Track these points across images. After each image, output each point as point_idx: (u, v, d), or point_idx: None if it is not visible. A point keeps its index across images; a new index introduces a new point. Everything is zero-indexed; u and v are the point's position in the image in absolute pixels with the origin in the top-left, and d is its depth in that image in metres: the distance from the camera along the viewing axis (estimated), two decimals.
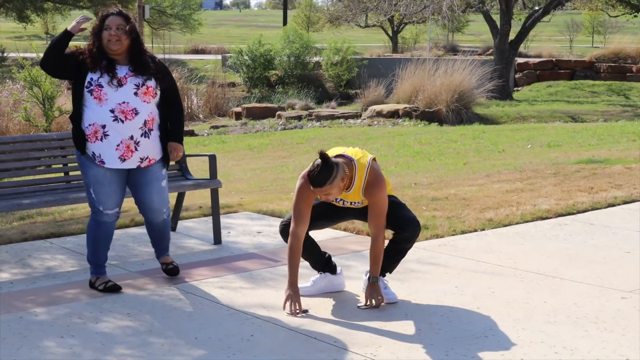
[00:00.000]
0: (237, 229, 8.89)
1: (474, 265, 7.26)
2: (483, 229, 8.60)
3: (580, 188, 10.54)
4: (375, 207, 6.10)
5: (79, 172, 8.28)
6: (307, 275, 6.90)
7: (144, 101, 6.49)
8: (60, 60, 6.46)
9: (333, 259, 6.76)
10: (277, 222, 9.08)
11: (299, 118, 25.59)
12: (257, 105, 28.69)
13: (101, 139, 6.41)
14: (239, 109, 28.25)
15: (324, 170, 5.88)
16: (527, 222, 8.91)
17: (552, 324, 5.72)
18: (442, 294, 6.47)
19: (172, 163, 7.25)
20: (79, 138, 6.46)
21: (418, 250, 7.72)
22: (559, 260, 7.42)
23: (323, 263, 6.60)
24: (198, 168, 12.48)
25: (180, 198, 8.77)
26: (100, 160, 6.45)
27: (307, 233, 6.36)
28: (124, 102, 6.39)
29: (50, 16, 62.93)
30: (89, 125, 6.41)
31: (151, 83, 6.52)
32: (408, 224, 6.27)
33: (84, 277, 7.04)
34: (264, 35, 38.53)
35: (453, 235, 8.38)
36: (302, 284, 6.58)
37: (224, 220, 8.97)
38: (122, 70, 6.46)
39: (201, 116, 28.86)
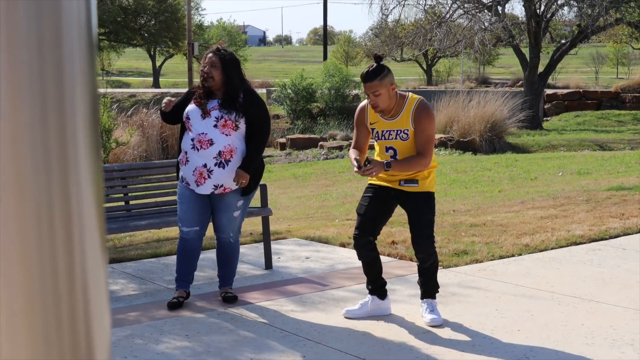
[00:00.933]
0: (287, 254, 8.90)
1: (513, 289, 7.21)
2: (520, 254, 8.54)
3: (612, 214, 10.44)
4: (422, 133, 6.15)
5: (138, 201, 8.37)
6: (354, 299, 6.89)
7: (223, 133, 6.63)
8: (178, 112, 6.92)
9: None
10: (324, 248, 9.09)
11: (340, 148, 25.59)
12: (301, 136, 28.77)
13: (185, 164, 6.72)
14: (283, 140, 28.32)
15: (376, 68, 6.08)
16: (562, 247, 8.84)
17: (589, 345, 5.67)
18: (484, 316, 6.43)
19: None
20: (178, 162, 6.87)
21: (459, 275, 7.69)
22: (594, 284, 7.34)
23: (378, 286, 6.59)
24: None
25: None
26: (185, 182, 6.76)
27: (375, 245, 6.50)
28: (202, 133, 6.60)
29: (105, 54, 63.70)
30: (182, 151, 6.78)
31: (232, 116, 6.63)
32: (419, 247, 6.32)
33: (144, 300, 7.08)
34: (305, 70, 38.66)
35: (492, 260, 8.33)
36: (349, 307, 6.59)
37: (273, 246, 8.98)
38: (211, 104, 6.72)
39: None
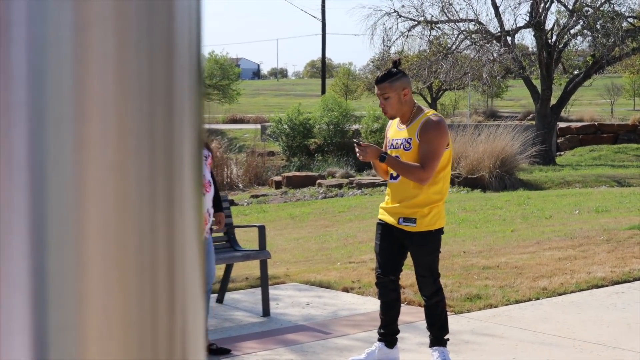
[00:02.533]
0: (285, 300, 8.79)
1: (531, 336, 7.11)
2: (538, 298, 8.44)
3: (635, 254, 10.35)
4: (426, 145, 6.17)
5: None
6: (359, 349, 6.79)
7: (209, 172, 6.63)
8: None
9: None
10: (325, 293, 8.99)
11: (340, 186, 25.53)
12: (297, 173, 28.72)
13: None
14: (278, 178, 28.27)
15: (389, 70, 6.29)
16: (582, 290, 8.74)
17: None
18: None
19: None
20: None
21: (472, 321, 7.58)
22: (618, 330, 7.24)
23: (390, 331, 6.57)
24: (240, 238, 12.43)
25: (228, 270, 8.69)
26: None
27: (398, 286, 6.58)
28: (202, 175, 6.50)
29: None
30: None
31: (208, 153, 6.64)
32: (420, 286, 6.48)
33: None
34: (302, 104, 38.75)
35: (507, 304, 8.23)
36: (354, 356, 6.49)
37: (271, 291, 8.87)
38: None
39: (241, 185, 28.91)
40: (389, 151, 6.39)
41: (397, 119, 6.43)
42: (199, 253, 0.93)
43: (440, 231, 6.39)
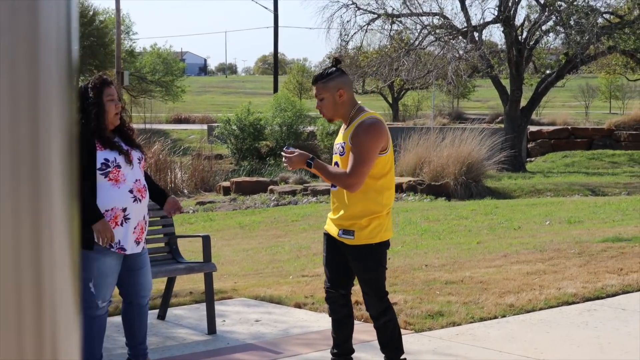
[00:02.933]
0: (233, 316, 8.81)
1: (496, 356, 7.20)
2: (504, 316, 8.53)
3: (609, 269, 10.50)
4: (354, 148, 6.16)
5: None
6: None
7: (143, 175, 6.56)
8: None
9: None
10: (276, 309, 9.03)
11: (294, 193, 25.57)
12: (247, 179, 28.70)
13: (121, 224, 6.35)
14: (227, 184, 28.24)
15: (324, 70, 6.34)
16: (552, 307, 8.85)
17: None
18: None
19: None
20: (88, 240, 6.22)
21: (433, 340, 7.65)
22: (590, 350, 7.35)
23: (344, 351, 6.64)
24: (184, 249, 12.42)
25: (170, 283, 8.68)
26: (119, 247, 6.36)
27: (349, 301, 6.61)
28: (138, 180, 6.42)
29: None
30: (107, 210, 6.31)
31: (141, 155, 6.59)
32: (365, 304, 6.52)
33: None
34: (253, 103, 38.75)
35: (471, 322, 8.31)
36: None
37: (217, 307, 8.87)
38: (119, 143, 6.48)
39: (186, 191, 28.84)
40: (334, 157, 6.47)
41: (343, 125, 6.48)
42: (71, 270, 0.94)
43: (383, 245, 6.38)
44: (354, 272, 6.46)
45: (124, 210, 6.36)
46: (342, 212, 6.31)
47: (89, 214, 6.16)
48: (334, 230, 6.40)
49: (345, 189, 6.21)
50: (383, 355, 6.53)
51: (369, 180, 6.20)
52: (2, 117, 0.87)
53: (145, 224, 6.57)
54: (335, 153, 6.42)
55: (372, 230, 6.26)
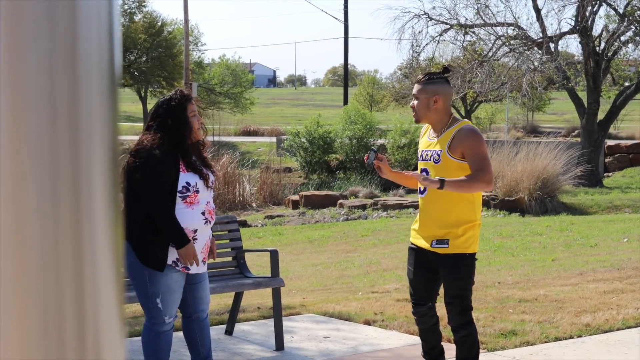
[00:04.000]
0: (301, 333, 8.83)
1: None
2: (580, 336, 8.45)
3: None
4: (473, 151, 6.36)
5: None
6: None
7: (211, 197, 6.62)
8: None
9: None
10: (345, 326, 9.03)
11: (363, 207, 25.57)
12: (316, 192, 28.76)
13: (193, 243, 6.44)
14: (296, 197, 28.31)
15: (430, 73, 6.60)
16: (630, 327, 8.74)
17: None
18: None
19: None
20: (161, 262, 6.35)
21: None
22: None
23: (435, 355, 6.84)
24: (252, 264, 12.49)
25: (237, 298, 8.73)
26: (183, 266, 6.42)
27: (434, 311, 6.76)
28: (208, 202, 6.49)
29: None
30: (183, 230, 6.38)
31: (214, 177, 6.66)
32: (449, 315, 6.58)
33: None
34: (322, 115, 38.81)
35: (546, 342, 8.24)
36: None
37: (285, 323, 8.90)
38: (202, 169, 6.55)
39: (254, 205, 28.96)
40: (419, 163, 6.66)
41: (429, 128, 6.68)
42: (115, 288, 0.95)
43: (473, 256, 6.51)
44: (444, 281, 6.55)
45: (195, 231, 6.43)
46: (436, 220, 6.46)
47: (177, 237, 6.24)
48: (424, 243, 6.54)
49: (486, 188, 6.40)
50: None
51: None
52: (41, 127, 0.88)
53: (210, 244, 6.66)
54: (427, 160, 6.55)
55: (467, 240, 6.40)
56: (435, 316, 6.81)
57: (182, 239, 6.24)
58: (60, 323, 0.90)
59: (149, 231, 6.30)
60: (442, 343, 7.74)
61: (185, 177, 6.37)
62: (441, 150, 6.43)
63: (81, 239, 0.90)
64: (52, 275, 0.89)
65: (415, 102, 6.51)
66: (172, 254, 6.39)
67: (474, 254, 6.50)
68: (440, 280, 6.65)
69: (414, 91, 6.56)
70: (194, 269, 6.49)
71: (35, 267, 0.88)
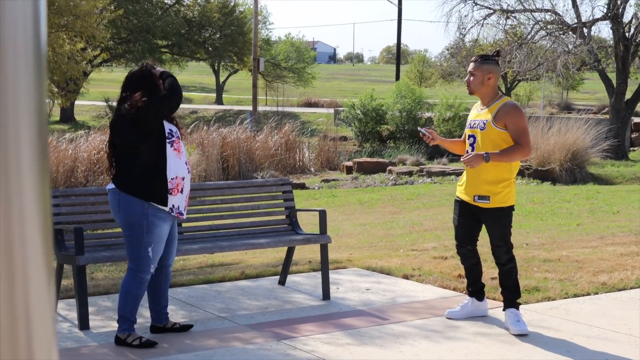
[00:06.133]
0: (346, 284, 8.89)
1: (587, 330, 7.11)
2: (596, 293, 8.42)
3: None
4: (515, 126, 6.97)
5: (191, 223, 8.40)
6: (415, 335, 6.87)
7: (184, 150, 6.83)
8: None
9: (445, 319, 7.39)
10: (385, 279, 9.07)
11: (410, 174, 25.52)
12: (368, 159, 28.74)
13: (181, 191, 6.62)
14: (350, 163, 28.33)
15: (486, 54, 7.22)
16: None
17: None
18: (554, 358, 6.35)
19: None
20: (163, 191, 6.54)
21: (529, 313, 7.60)
22: None
23: (477, 289, 7.49)
24: (308, 222, 12.56)
25: (290, 252, 8.81)
26: (178, 212, 6.63)
27: (476, 252, 7.47)
28: (187, 156, 6.68)
29: (168, 66, 64.56)
30: (173, 178, 6.56)
31: (176, 130, 6.85)
32: (494, 255, 7.27)
33: (194, 328, 7.12)
34: (376, 90, 38.69)
35: (565, 298, 8.22)
36: (450, 308, 7.49)
37: (332, 275, 8.96)
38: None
39: (312, 169, 29.03)
40: (467, 130, 7.29)
41: (479, 104, 7.29)
42: (44, 250, 0.91)
43: (511, 208, 7.17)
44: (488, 230, 7.23)
45: (183, 179, 6.64)
46: (478, 180, 7.09)
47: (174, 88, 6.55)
48: (467, 197, 7.22)
49: (525, 157, 7.20)
50: (502, 296, 7.28)
51: None
52: None
53: (190, 193, 6.86)
54: (474, 127, 7.18)
55: (504, 195, 7.07)
56: (476, 257, 7.50)
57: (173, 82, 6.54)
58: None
59: (149, 178, 6.49)
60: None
61: (167, 125, 6.58)
62: (487, 120, 7.04)
63: (11, 226, 0.88)
64: None
65: (472, 77, 7.10)
66: (170, 201, 6.55)
67: (512, 206, 7.17)
68: (479, 228, 7.39)
69: (471, 68, 7.13)
70: (184, 214, 6.73)
71: None
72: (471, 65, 7.15)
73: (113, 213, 6.69)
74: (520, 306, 7.75)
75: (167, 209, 6.55)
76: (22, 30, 0.87)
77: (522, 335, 6.89)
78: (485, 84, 7.09)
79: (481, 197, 7.09)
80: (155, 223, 6.55)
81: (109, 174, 6.75)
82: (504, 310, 7.21)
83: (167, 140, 6.53)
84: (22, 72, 0.88)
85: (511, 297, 7.18)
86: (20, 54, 0.87)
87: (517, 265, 7.43)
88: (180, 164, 6.60)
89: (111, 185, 6.62)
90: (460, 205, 7.34)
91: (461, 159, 7.13)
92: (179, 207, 6.63)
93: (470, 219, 7.32)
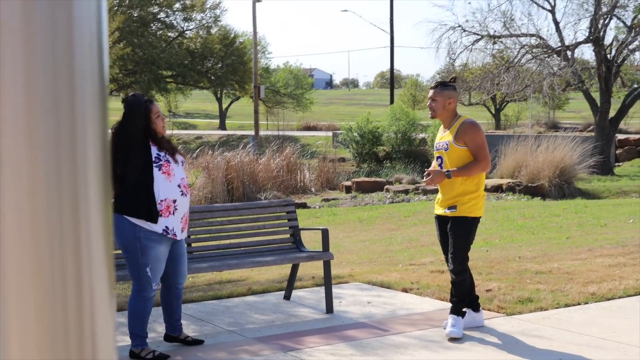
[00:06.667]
0: (348, 298, 8.90)
1: (578, 338, 7.12)
2: (586, 303, 8.43)
3: None
4: (472, 143, 7.18)
5: (200, 243, 8.42)
6: (414, 346, 6.88)
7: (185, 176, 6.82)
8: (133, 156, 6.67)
9: (442, 330, 7.26)
10: (386, 293, 9.08)
11: (406, 192, 25.53)
12: (366, 179, 28.74)
13: (173, 213, 6.63)
14: (349, 183, 28.33)
15: (443, 81, 7.43)
16: (630, 296, 8.69)
17: None
18: None
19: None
20: (153, 213, 6.57)
21: (522, 323, 7.61)
22: None
23: (471, 299, 7.49)
24: (310, 239, 12.58)
25: (294, 269, 8.83)
26: (173, 233, 6.65)
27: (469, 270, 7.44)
28: (182, 178, 6.68)
29: (173, 96, 64.67)
30: (162, 200, 6.59)
31: (183, 159, 6.89)
32: (450, 263, 7.31)
33: (207, 342, 7.13)
34: (371, 113, 38.80)
35: (557, 308, 8.23)
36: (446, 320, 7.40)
37: (335, 290, 8.98)
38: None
39: (313, 189, 29.03)
40: (434, 152, 7.47)
41: (442, 127, 7.47)
42: (106, 257, 0.93)
43: (476, 219, 7.30)
44: (449, 237, 7.29)
45: (174, 201, 6.64)
46: (448, 193, 7.26)
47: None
48: (441, 211, 7.37)
49: (482, 172, 7.24)
50: (450, 300, 7.40)
51: None
52: (45, 122, 0.87)
53: (187, 216, 6.83)
54: (440, 149, 7.37)
55: (471, 206, 7.23)
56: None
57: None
58: (65, 320, 0.90)
59: (137, 196, 6.52)
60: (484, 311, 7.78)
61: (154, 150, 6.61)
62: (449, 141, 7.26)
63: (80, 236, 0.90)
64: (58, 274, 0.89)
65: (434, 103, 7.31)
66: (162, 223, 6.58)
67: (478, 218, 7.31)
68: None
69: (432, 95, 7.34)
70: (179, 236, 6.71)
71: (45, 265, 0.88)
72: (432, 92, 7.37)
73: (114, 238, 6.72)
74: (515, 316, 7.79)
75: (159, 230, 6.57)
76: (88, 40, 0.90)
77: (454, 339, 7.10)
78: (447, 108, 7.29)
79: (450, 207, 7.29)
80: (149, 245, 6.57)
81: None
82: (450, 314, 7.34)
83: (155, 164, 6.57)
84: (89, 86, 0.91)
85: (456, 305, 7.33)
86: (87, 68, 0.90)
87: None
88: (170, 186, 6.62)
89: None
90: (439, 221, 7.49)
91: (423, 178, 7.39)
92: (173, 228, 6.65)
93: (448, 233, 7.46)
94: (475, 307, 7.56)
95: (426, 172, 7.28)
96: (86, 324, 0.91)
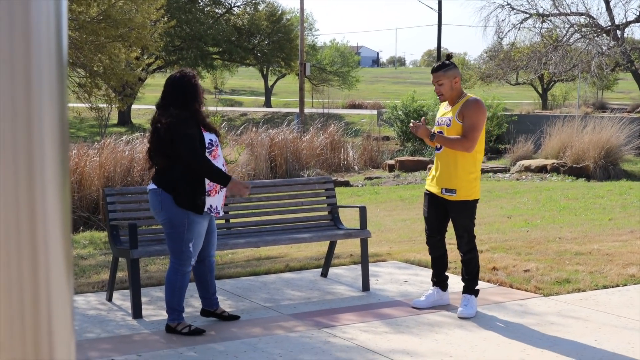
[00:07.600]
0: (385, 277, 8.93)
1: (615, 320, 7.09)
2: (625, 285, 8.38)
3: None
4: (467, 120, 7.15)
5: (239, 219, 8.49)
6: (449, 325, 6.89)
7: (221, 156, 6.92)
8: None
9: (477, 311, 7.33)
10: (423, 272, 9.10)
11: None
12: (410, 158, 28.69)
13: (219, 192, 6.77)
14: (392, 162, 28.29)
15: (443, 62, 7.32)
16: None
17: None
18: (582, 347, 6.34)
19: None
20: (201, 193, 6.65)
21: (559, 304, 7.60)
22: None
23: (441, 279, 7.64)
24: (351, 217, 12.60)
25: (331, 246, 8.87)
26: (217, 211, 6.79)
27: (444, 242, 7.66)
28: (224, 158, 6.79)
29: (219, 72, 64.83)
30: (207, 181, 6.68)
31: (217, 139, 6.95)
32: (458, 245, 7.51)
33: (242, 318, 7.20)
34: (417, 92, 38.60)
35: (595, 289, 8.20)
36: (416, 299, 7.57)
37: (372, 268, 9.01)
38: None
39: (356, 168, 29.02)
40: (435, 127, 7.46)
41: (446, 102, 7.44)
42: (63, 246, 0.92)
43: (476, 201, 7.40)
44: (453, 221, 7.42)
45: None
46: (445, 174, 7.28)
47: (221, 178, 6.60)
48: (436, 189, 7.39)
49: (463, 150, 7.15)
50: (463, 280, 7.50)
51: None
52: (3, 113, 0.86)
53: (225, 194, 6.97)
54: (441, 124, 7.36)
55: (470, 189, 7.28)
56: (443, 248, 7.70)
57: (225, 178, 6.60)
58: (22, 320, 0.90)
59: (188, 183, 6.59)
60: (505, 287, 7.78)
61: (208, 136, 6.70)
62: (451, 117, 7.26)
63: (36, 232, 0.89)
64: (15, 270, 0.88)
65: (440, 87, 7.26)
66: (208, 202, 6.69)
67: (477, 199, 7.39)
68: (448, 218, 7.52)
69: (436, 80, 7.27)
70: (222, 213, 6.92)
71: (1, 266, 0.88)
72: (434, 76, 7.30)
73: (154, 212, 6.79)
74: (552, 297, 7.77)
75: (205, 209, 6.66)
76: (46, 32, 0.89)
77: (465, 318, 7.16)
78: (454, 87, 7.27)
79: (448, 190, 7.30)
80: (196, 221, 6.68)
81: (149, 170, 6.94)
82: (462, 293, 7.45)
83: (207, 150, 6.65)
84: (46, 75, 0.90)
85: (468, 284, 7.43)
86: (44, 58, 0.89)
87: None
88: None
89: (152, 186, 6.72)
90: (430, 197, 7.53)
91: (410, 125, 7.37)
92: (217, 207, 6.79)
93: (439, 210, 7.49)
94: (444, 287, 7.68)
95: (412, 123, 7.30)
96: (43, 325, 0.91)
